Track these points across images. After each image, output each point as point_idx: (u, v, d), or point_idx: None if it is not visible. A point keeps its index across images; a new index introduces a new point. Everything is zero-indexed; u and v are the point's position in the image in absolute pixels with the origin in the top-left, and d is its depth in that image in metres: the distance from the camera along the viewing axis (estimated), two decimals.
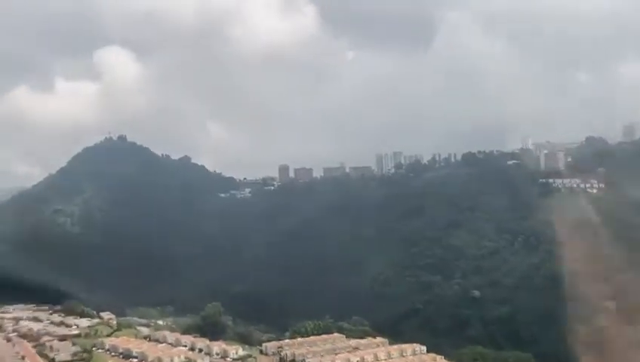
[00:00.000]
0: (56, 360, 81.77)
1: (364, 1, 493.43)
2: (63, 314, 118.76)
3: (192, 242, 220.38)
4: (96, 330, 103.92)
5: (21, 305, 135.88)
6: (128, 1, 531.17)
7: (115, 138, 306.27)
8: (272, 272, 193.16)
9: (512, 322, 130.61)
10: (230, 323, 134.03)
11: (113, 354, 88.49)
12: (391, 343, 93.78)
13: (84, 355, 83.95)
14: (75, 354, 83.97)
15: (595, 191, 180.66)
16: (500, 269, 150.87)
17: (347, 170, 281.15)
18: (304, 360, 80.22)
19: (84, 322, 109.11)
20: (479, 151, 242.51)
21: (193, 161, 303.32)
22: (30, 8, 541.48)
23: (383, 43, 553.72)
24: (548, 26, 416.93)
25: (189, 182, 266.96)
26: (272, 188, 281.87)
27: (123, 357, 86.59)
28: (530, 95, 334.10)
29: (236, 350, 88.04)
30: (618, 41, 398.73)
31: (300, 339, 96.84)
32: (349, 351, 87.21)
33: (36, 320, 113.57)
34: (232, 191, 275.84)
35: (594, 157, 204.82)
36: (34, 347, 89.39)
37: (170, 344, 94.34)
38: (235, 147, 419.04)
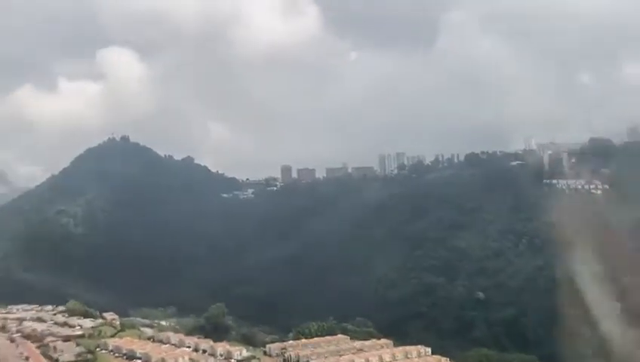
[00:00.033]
0: (60, 360, 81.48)
1: (366, 1, 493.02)
2: (66, 315, 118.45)
3: (195, 242, 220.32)
4: (100, 331, 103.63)
5: (24, 305, 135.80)
6: (132, 1, 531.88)
7: (118, 138, 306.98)
8: (275, 273, 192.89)
9: (517, 324, 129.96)
10: (232, 323, 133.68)
11: (117, 354, 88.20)
12: (395, 345, 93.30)
13: (88, 356, 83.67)
14: (78, 354, 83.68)
15: (599, 192, 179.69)
16: (504, 271, 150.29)
17: (350, 170, 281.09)
18: (308, 361, 79.87)
19: (88, 322, 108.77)
20: (482, 152, 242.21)
21: (196, 161, 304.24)
22: (33, 9, 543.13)
23: (386, 43, 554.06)
24: (551, 26, 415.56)
25: (191, 182, 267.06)
26: (275, 188, 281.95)
27: (127, 358, 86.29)
28: (533, 95, 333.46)
29: (240, 351, 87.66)
30: (622, 41, 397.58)
31: (303, 340, 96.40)
32: (353, 353, 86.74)
33: (40, 320, 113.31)
34: (235, 192, 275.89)
35: (598, 158, 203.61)
36: (38, 347, 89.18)
37: (173, 345, 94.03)
38: (237, 147, 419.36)
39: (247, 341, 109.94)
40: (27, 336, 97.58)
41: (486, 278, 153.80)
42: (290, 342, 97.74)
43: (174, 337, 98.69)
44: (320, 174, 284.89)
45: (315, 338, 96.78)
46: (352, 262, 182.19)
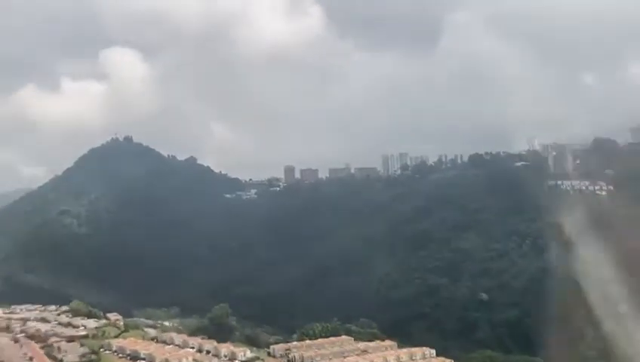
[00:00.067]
0: (65, 361, 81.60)
1: (370, 2, 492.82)
2: (70, 315, 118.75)
3: (198, 243, 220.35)
4: (104, 331, 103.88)
5: (28, 305, 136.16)
6: (134, 1, 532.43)
7: (121, 139, 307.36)
8: (278, 273, 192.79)
9: (521, 325, 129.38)
10: (235, 323, 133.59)
11: (121, 355, 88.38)
12: (399, 346, 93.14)
13: (92, 357, 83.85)
14: (83, 355, 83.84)
15: (604, 193, 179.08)
16: (508, 272, 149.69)
17: (352, 170, 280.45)
18: None
19: (92, 323, 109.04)
20: (486, 153, 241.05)
21: (199, 161, 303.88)
22: (37, 9, 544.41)
23: (389, 43, 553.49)
24: (554, 26, 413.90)
25: (194, 183, 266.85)
26: (278, 188, 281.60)
27: (131, 359, 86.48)
28: (537, 96, 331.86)
29: (244, 352, 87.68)
30: (627, 41, 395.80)
31: (307, 342, 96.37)
32: (357, 354, 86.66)
33: (44, 320, 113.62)
34: (238, 192, 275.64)
35: (602, 158, 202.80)
36: (42, 348, 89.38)
37: (177, 345, 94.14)
38: (240, 148, 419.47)
39: (251, 342, 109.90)
40: (31, 337, 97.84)
41: (489, 279, 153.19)
42: (294, 343, 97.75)
43: (178, 338, 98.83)
44: (323, 174, 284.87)
45: (319, 339, 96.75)
46: (354, 262, 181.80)
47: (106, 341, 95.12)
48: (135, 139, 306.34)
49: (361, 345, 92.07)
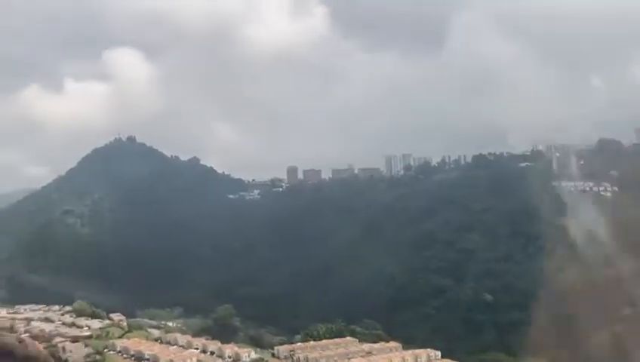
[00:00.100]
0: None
1: (374, 2, 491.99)
2: (73, 315, 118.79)
3: (201, 243, 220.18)
4: (108, 332, 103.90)
5: (32, 305, 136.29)
6: (138, 1, 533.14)
7: (124, 139, 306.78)
8: (281, 274, 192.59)
9: (526, 327, 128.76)
10: (239, 324, 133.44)
11: (125, 356, 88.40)
12: (404, 348, 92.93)
13: (97, 357, 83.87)
14: (87, 355, 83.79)
15: (609, 194, 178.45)
16: (513, 273, 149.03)
17: (356, 171, 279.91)
18: None
19: (96, 323, 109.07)
20: (489, 153, 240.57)
21: (202, 162, 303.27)
22: (39, 9, 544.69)
23: (393, 44, 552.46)
24: (558, 26, 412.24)
25: (197, 183, 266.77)
26: (281, 189, 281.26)
27: (135, 360, 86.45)
28: (541, 97, 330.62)
29: (248, 353, 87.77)
30: (633, 42, 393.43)
31: (312, 343, 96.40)
32: (362, 356, 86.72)
33: (48, 320, 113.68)
34: (241, 193, 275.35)
35: (607, 159, 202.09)
36: (46, 348, 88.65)
37: (181, 346, 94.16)
38: (243, 148, 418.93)
39: (255, 342, 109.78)
40: (35, 337, 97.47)
41: (494, 280, 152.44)
42: (299, 344, 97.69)
43: (182, 338, 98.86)
44: (326, 175, 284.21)
45: (324, 341, 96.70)
46: (358, 262, 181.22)
47: (110, 341, 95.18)
48: (138, 140, 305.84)
49: (366, 346, 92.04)
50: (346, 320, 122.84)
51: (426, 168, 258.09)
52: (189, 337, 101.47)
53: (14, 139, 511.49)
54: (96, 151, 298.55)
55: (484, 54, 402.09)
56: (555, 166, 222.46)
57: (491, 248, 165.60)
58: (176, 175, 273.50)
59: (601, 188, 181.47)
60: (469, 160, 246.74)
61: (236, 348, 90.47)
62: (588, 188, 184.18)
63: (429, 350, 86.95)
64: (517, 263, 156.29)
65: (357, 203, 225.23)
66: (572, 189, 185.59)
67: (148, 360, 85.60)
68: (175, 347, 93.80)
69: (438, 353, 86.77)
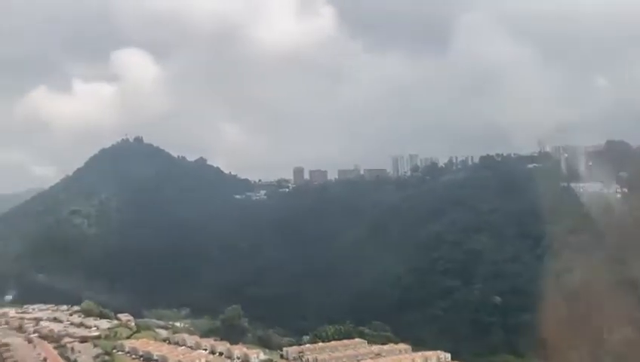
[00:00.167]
0: None
1: (381, 3, 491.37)
2: (82, 315, 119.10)
3: (208, 243, 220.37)
4: (116, 332, 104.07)
5: (40, 305, 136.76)
6: (146, 2, 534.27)
7: (131, 139, 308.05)
8: (288, 274, 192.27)
9: (535, 330, 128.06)
10: (247, 325, 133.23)
11: (134, 356, 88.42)
12: (413, 349, 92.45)
13: (106, 358, 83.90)
14: (96, 356, 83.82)
15: (618, 195, 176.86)
16: (521, 275, 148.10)
17: (362, 172, 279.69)
18: None
19: (104, 323, 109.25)
20: (497, 154, 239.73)
21: (209, 162, 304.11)
22: (48, 10, 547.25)
23: (399, 44, 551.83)
24: (563, 27, 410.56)
25: (204, 183, 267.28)
26: (287, 190, 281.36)
27: (143, 360, 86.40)
28: (547, 97, 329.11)
29: (257, 354, 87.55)
30: (639, 42, 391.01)
31: (320, 344, 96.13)
32: (371, 358, 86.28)
33: (56, 320, 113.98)
34: (248, 193, 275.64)
35: (615, 161, 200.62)
36: (55, 348, 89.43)
37: (190, 347, 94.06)
38: (250, 148, 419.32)
39: (263, 343, 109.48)
40: (44, 337, 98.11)
41: (502, 282, 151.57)
42: (307, 345, 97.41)
43: (190, 339, 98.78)
44: (332, 176, 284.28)
45: (333, 342, 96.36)
46: (364, 263, 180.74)
47: (119, 342, 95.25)
48: (145, 140, 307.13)
49: (375, 348, 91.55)
50: (353, 320, 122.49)
51: (432, 169, 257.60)
52: (197, 338, 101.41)
53: (23, 140, 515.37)
54: (103, 151, 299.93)
55: (490, 55, 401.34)
56: (563, 167, 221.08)
57: (499, 249, 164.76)
58: (183, 175, 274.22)
59: (610, 190, 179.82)
60: (476, 161, 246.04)
61: (245, 349, 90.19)
62: (597, 190, 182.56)
63: (438, 352, 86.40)
64: (525, 264, 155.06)
65: (363, 204, 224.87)
66: (581, 190, 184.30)
67: (157, 360, 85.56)
68: (183, 347, 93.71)
69: (448, 355, 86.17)
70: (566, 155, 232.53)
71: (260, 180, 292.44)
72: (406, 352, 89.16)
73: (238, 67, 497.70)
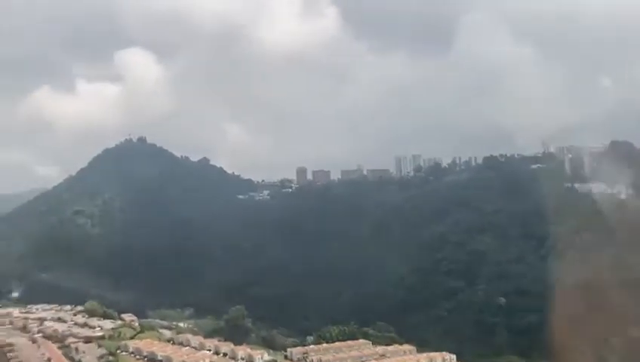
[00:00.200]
0: None
1: (385, 3, 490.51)
2: (85, 315, 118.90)
3: (211, 243, 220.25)
4: (120, 332, 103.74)
5: (44, 305, 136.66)
6: (150, 2, 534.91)
7: (134, 139, 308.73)
8: (291, 274, 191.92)
9: (540, 331, 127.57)
10: (251, 325, 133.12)
11: (138, 357, 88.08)
12: (418, 351, 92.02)
13: (110, 358, 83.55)
14: (101, 356, 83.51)
15: (623, 196, 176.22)
16: (525, 276, 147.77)
17: (365, 172, 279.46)
18: None
19: (108, 323, 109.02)
20: (500, 155, 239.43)
21: (212, 162, 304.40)
22: (51, 10, 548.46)
23: (403, 45, 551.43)
24: (569, 27, 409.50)
25: (207, 183, 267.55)
26: (290, 190, 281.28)
27: (148, 361, 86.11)
28: (552, 98, 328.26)
29: (261, 355, 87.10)
30: None
31: (325, 345, 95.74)
32: (376, 359, 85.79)
33: (60, 320, 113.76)
34: (251, 193, 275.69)
35: (620, 161, 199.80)
36: (59, 348, 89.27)
37: (194, 348, 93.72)
38: (253, 149, 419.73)
39: (267, 344, 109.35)
40: (48, 337, 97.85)
41: (507, 283, 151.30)
42: (312, 346, 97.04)
43: (194, 340, 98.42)
44: (335, 176, 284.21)
45: (337, 343, 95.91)
46: (368, 264, 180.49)
47: (123, 342, 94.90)
48: (149, 140, 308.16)
49: (380, 349, 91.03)
50: (357, 321, 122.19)
51: (436, 169, 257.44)
52: (201, 338, 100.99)
53: (26, 140, 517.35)
54: (106, 151, 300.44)
55: (493, 55, 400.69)
56: (567, 168, 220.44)
57: (503, 250, 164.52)
58: (187, 175, 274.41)
59: (614, 190, 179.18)
60: (479, 161, 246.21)
61: (249, 350, 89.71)
62: (602, 190, 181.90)
63: (444, 353, 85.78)
64: (529, 265, 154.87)
65: (366, 204, 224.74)
66: (585, 191, 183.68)
67: (161, 361, 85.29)
68: (187, 348, 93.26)
69: (454, 356, 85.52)
70: (570, 156, 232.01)
71: (263, 180, 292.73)
72: (411, 353, 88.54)
73: (242, 67, 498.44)
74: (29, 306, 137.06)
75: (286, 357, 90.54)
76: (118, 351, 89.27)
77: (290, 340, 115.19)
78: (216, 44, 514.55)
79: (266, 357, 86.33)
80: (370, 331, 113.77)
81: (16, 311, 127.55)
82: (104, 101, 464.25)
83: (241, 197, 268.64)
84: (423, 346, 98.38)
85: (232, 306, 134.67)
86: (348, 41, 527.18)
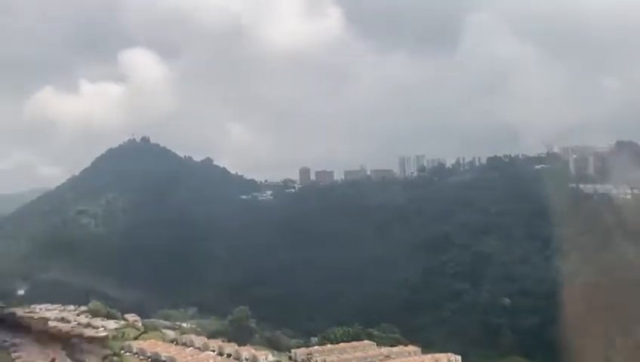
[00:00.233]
0: None
1: (388, 3, 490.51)
2: (89, 315, 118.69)
3: (214, 244, 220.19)
4: (123, 333, 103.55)
5: (47, 305, 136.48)
6: (153, 2, 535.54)
7: (138, 139, 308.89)
8: (294, 275, 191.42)
9: (545, 332, 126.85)
10: (255, 326, 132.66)
11: (142, 357, 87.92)
12: (423, 352, 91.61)
13: (114, 359, 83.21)
14: (105, 357, 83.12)
15: (628, 197, 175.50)
16: (530, 277, 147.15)
17: (368, 173, 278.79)
18: None
19: (111, 324, 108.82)
20: (504, 155, 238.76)
21: (215, 162, 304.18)
22: (54, 9, 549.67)
23: (406, 45, 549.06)
24: (573, 27, 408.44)
25: (210, 183, 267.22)
26: (293, 190, 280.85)
27: (152, 361, 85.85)
28: (557, 98, 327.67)
29: (266, 356, 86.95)
30: None
31: (329, 346, 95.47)
32: (380, 360, 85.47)
33: (64, 320, 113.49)
34: (254, 193, 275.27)
35: (626, 162, 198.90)
36: (64, 349, 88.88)
37: (197, 348, 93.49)
38: (256, 149, 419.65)
39: (271, 344, 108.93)
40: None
41: (512, 284, 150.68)
42: (316, 347, 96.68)
43: (198, 340, 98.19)
44: (338, 176, 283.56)
45: (341, 344, 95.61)
46: (371, 265, 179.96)
47: (126, 342, 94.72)
48: (152, 140, 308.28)
49: (384, 350, 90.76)
50: (361, 322, 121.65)
51: (440, 170, 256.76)
52: (205, 339, 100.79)
53: (29, 140, 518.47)
54: (110, 151, 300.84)
55: (497, 55, 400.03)
56: (572, 168, 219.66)
57: (508, 251, 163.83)
58: (190, 175, 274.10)
59: (620, 191, 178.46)
60: (483, 161, 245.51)
61: (253, 351, 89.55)
62: (607, 191, 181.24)
63: (449, 354, 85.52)
64: (534, 266, 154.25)
65: (370, 204, 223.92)
66: (590, 192, 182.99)
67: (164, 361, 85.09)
68: (191, 349, 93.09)
69: (459, 357, 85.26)
70: (575, 156, 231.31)
71: (266, 180, 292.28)
72: (415, 354, 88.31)
73: (245, 67, 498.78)
74: (32, 306, 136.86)
75: (290, 358, 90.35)
76: (122, 352, 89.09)
77: (294, 341, 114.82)
78: (219, 43, 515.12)
79: (271, 358, 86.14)
80: (375, 332, 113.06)
81: (19, 311, 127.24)
82: (107, 101, 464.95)
83: (244, 197, 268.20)
84: (427, 347, 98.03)
85: (236, 306, 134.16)
86: (351, 40, 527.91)
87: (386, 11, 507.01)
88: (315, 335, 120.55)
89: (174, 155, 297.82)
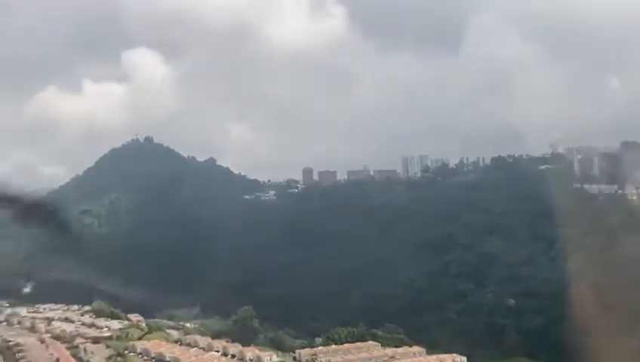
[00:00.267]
0: None
1: (392, 3, 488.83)
2: (93, 315, 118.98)
3: (218, 243, 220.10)
4: (127, 333, 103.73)
5: (51, 304, 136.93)
6: (156, 2, 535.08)
7: (141, 139, 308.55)
8: (298, 275, 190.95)
9: (549, 333, 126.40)
10: (259, 326, 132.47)
11: (146, 358, 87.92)
12: (428, 352, 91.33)
13: (118, 359, 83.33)
14: (109, 357, 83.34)
15: (634, 198, 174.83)
16: (535, 278, 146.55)
17: (372, 173, 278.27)
18: None
19: (115, 324, 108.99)
20: (509, 156, 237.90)
21: (218, 162, 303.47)
22: (57, 9, 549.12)
23: (410, 45, 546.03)
24: (578, 27, 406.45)
25: (214, 183, 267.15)
26: (296, 190, 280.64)
27: None
28: (561, 98, 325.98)
29: (270, 356, 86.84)
30: None
31: (334, 347, 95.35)
32: (385, 361, 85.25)
33: (68, 320, 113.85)
34: (257, 193, 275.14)
35: (631, 162, 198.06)
36: (67, 349, 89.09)
37: (202, 349, 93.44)
38: (260, 149, 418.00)
39: (275, 345, 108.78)
40: (56, 337, 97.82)
41: (516, 285, 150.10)
42: (320, 347, 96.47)
43: (202, 340, 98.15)
44: (341, 176, 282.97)
45: (346, 345, 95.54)
46: (376, 265, 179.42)
47: (130, 343, 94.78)
48: (156, 140, 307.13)
49: (389, 350, 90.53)
50: (365, 322, 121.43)
51: (443, 170, 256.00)
52: (209, 339, 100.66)
53: (32, 140, 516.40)
54: (113, 151, 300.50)
55: (501, 55, 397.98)
56: (576, 168, 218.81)
57: (512, 252, 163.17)
58: (193, 175, 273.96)
59: (625, 192, 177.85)
60: (487, 162, 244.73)
61: (257, 351, 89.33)
62: (612, 192, 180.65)
63: (454, 355, 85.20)
64: (539, 267, 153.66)
65: (373, 204, 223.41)
66: (596, 192, 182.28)
67: None
68: (195, 349, 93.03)
69: (464, 358, 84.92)
70: (579, 156, 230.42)
71: (269, 180, 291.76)
72: (420, 355, 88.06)
73: (248, 67, 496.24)
74: (36, 306, 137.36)
75: (294, 358, 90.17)
76: (126, 352, 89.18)
77: (298, 341, 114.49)
78: (222, 43, 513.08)
79: (275, 358, 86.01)
80: (379, 332, 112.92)
81: (23, 311, 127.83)
82: (111, 101, 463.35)
83: (247, 197, 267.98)
84: (432, 348, 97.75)
85: (239, 306, 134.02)
86: (355, 40, 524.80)
87: (389, 11, 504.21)
88: (319, 336, 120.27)
89: (177, 155, 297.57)
